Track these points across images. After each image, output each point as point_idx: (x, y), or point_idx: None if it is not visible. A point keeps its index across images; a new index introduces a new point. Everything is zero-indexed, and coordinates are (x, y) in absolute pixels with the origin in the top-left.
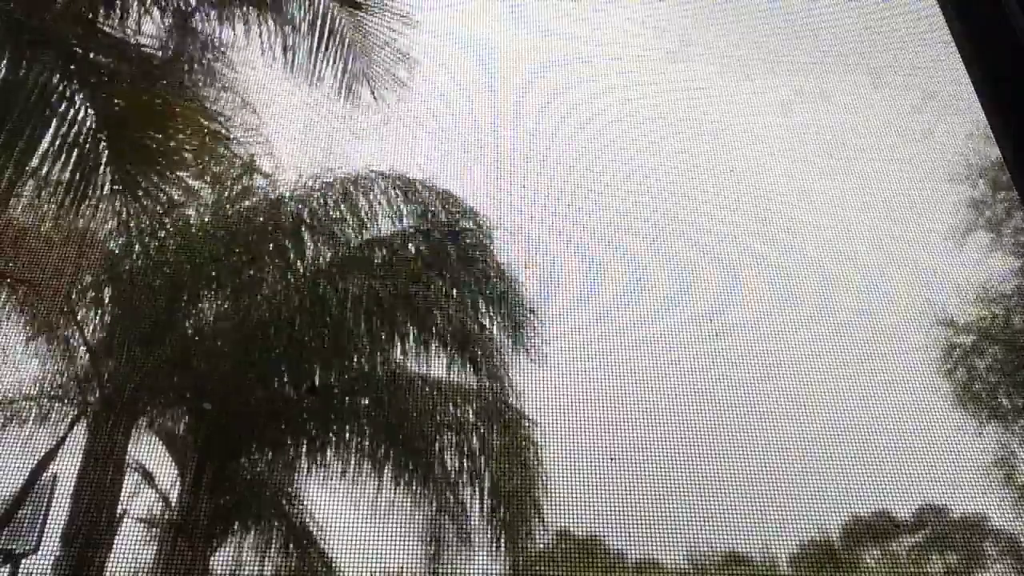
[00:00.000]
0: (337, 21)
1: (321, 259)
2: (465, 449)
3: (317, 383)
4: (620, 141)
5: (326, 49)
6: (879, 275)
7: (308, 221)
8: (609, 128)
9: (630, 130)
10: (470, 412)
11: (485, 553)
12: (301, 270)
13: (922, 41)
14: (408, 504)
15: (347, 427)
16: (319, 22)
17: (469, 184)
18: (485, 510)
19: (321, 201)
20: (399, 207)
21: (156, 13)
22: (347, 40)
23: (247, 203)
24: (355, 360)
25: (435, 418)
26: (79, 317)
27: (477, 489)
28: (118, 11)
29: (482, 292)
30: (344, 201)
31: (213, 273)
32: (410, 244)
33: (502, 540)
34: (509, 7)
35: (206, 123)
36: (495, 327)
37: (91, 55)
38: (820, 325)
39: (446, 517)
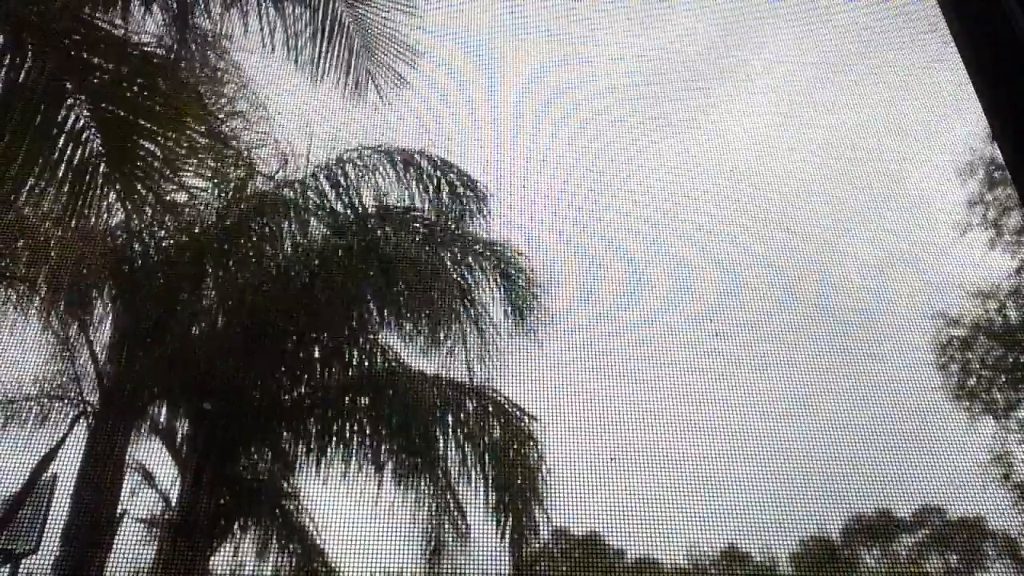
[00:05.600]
0: (339, 15)
1: (315, 249)
2: (466, 446)
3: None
4: (620, 141)
5: (329, 44)
6: (879, 275)
7: (303, 215)
8: (609, 128)
9: (630, 130)
10: (470, 408)
11: (486, 551)
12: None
13: (922, 41)
14: (409, 503)
15: (347, 425)
16: (320, 16)
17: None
18: (488, 505)
19: (318, 197)
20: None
21: (156, 10)
22: (349, 34)
23: (246, 204)
24: (355, 356)
25: (436, 415)
26: (79, 317)
27: (478, 486)
28: (118, 9)
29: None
30: (344, 188)
31: (211, 271)
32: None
33: (504, 537)
34: (509, 7)
35: (206, 122)
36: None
37: (90, 55)
38: (820, 325)
39: (446, 516)
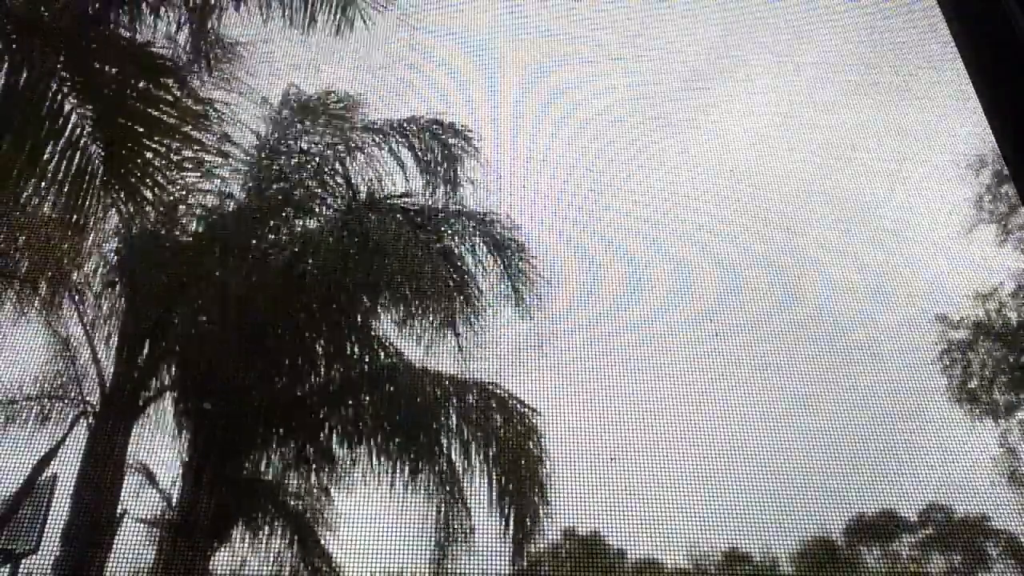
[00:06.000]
0: None
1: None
2: (469, 443)
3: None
4: (620, 141)
5: None
6: (880, 274)
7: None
8: (609, 128)
9: (630, 130)
10: (472, 403)
11: (490, 549)
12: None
13: (922, 41)
14: (411, 503)
15: (348, 425)
16: None
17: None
18: (492, 503)
19: (317, 194)
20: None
21: (162, 13)
22: None
23: (245, 202)
24: (355, 353)
25: (438, 412)
26: (79, 317)
27: (482, 484)
28: (122, 11)
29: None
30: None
31: (211, 270)
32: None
33: (507, 536)
34: (509, 7)
35: (204, 120)
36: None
37: (90, 56)
38: (820, 324)
39: (450, 513)
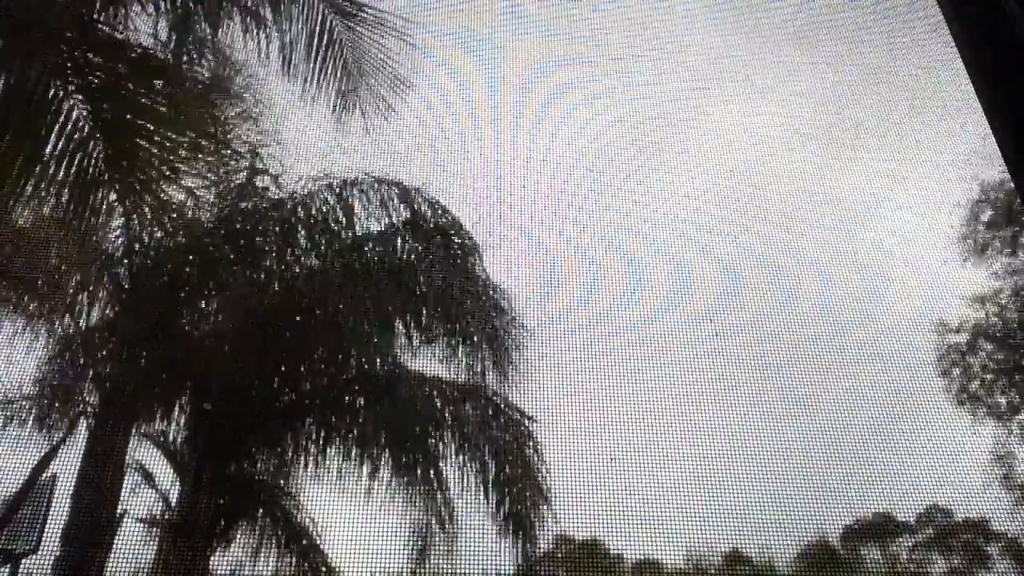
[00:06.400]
0: (335, 33)
1: (316, 258)
2: (465, 448)
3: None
4: (620, 141)
5: (323, 64)
6: (879, 275)
7: (305, 218)
8: (609, 128)
9: (630, 130)
10: (468, 409)
11: (489, 552)
12: (296, 268)
13: (922, 41)
14: (408, 503)
15: (347, 425)
16: (316, 36)
17: (469, 184)
18: (488, 508)
19: (319, 200)
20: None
21: (154, 12)
22: (343, 57)
23: (246, 204)
24: (354, 357)
25: (434, 416)
26: (79, 318)
27: (479, 488)
28: (121, 11)
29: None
30: (339, 201)
31: (212, 273)
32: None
33: (507, 539)
34: (509, 7)
35: (206, 123)
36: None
37: (90, 56)
38: (820, 325)
39: (446, 517)
